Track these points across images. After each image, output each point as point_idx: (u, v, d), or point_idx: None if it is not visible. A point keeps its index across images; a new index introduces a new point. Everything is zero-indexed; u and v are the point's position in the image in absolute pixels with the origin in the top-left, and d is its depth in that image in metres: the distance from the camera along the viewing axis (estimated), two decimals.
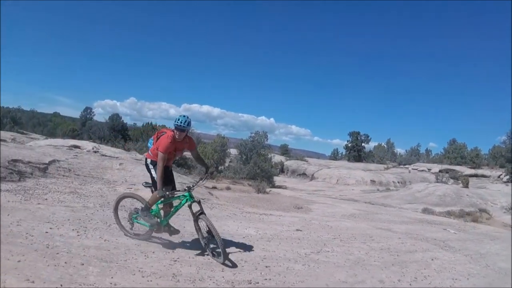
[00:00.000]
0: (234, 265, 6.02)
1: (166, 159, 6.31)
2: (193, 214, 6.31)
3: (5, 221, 6.43)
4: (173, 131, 6.39)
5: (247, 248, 7.13)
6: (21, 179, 10.13)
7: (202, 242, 6.32)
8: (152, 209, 6.49)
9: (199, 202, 6.27)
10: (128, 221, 6.82)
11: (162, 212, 6.62)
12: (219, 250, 5.98)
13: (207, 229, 6.15)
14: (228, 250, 6.70)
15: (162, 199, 6.35)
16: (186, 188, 6.42)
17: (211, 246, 6.27)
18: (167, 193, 6.24)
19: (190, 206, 6.33)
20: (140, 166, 14.57)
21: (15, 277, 4.43)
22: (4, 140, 17.96)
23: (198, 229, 6.32)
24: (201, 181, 7.01)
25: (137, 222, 6.69)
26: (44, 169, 11.56)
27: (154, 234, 6.72)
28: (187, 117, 6.33)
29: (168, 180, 6.64)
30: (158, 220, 6.52)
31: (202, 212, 6.20)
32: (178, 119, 6.26)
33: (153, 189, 6.57)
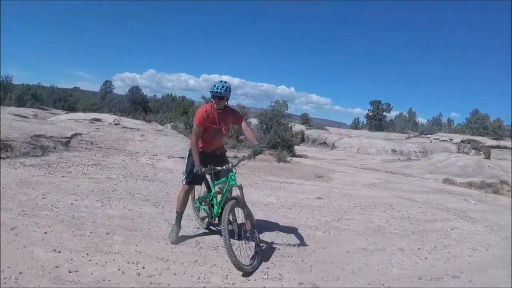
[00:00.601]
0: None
1: (199, 132, 5.35)
2: (228, 200, 5.20)
3: (31, 194, 6.60)
4: (211, 102, 5.41)
5: (269, 215, 7.20)
6: (44, 153, 10.31)
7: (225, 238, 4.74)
8: (208, 194, 5.67)
9: (240, 188, 5.19)
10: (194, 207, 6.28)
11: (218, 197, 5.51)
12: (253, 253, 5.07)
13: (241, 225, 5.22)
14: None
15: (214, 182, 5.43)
16: (230, 167, 5.25)
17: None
18: (203, 169, 5.07)
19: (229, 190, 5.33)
20: (161, 137, 14.70)
21: (42, 247, 4.58)
22: (26, 117, 18.20)
23: (229, 221, 4.90)
24: (245, 160, 5.37)
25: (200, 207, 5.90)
26: (66, 143, 11.73)
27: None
28: (225, 82, 5.32)
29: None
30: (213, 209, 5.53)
31: (242, 204, 5.15)
32: (214, 85, 5.24)
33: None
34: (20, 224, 5.16)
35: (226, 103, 5.44)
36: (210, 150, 5.61)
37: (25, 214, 5.64)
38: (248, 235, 5.16)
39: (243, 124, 5.59)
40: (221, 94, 5.23)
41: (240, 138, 30.85)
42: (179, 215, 5.57)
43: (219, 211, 5.37)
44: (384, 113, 77.85)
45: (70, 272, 4.12)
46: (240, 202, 5.13)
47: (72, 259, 4.38)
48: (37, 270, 4.08)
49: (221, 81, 5.33)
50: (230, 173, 5.18)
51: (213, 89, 5.22)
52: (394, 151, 43.60)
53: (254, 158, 5.36)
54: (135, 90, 66.09)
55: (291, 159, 23.99)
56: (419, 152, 44.56)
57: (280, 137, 33.10)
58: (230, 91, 5.35)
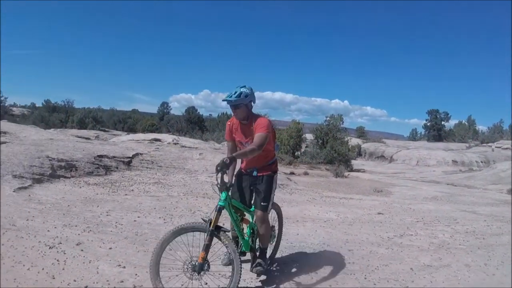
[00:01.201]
0: None
1: (230, 146, 4.83)
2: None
3: (95, 212, 6.90)
4: None
5: (329, 232, 7.15)
6: (107, 173, 10.75)
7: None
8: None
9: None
10: None
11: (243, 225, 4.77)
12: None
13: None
14: (310, 234, 6.78)
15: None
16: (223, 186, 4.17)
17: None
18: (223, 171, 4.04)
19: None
20: (219, 155, 14.93)
21: (107, 263, 4.75)
22: (88, 138, 19.05)
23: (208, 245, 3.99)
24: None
25: None
26: (128, 163, 12.17)
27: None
28: (243, 87, 4.45)
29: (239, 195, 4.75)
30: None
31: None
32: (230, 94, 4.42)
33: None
34: (85, 240, 5.39)
35: (248, 112, 4.54)
36: (247, 169, 4.79)
37: (90, 230, 5.89)
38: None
39: (255, 136, 4.42)
40: (231, 103, 4.40)
41: (295, 154, 30.70)
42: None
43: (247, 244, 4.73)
44: (443, 123, 75.36)
45: (134, 286, 4.24)
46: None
47: (136, 274, 4.51)
48: (103, 284, 4.23)
49: (238, 87, 4.46)
50: (223, 193, 4.14)
51: (225, 97, 4.41)
52: (454, 162, 42.19)
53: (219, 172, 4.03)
54: (191, 110, 67.82)
55: (348, 174, 23.71)
56: (481, 162, 42.85)
57: (336, 151, 32.83)
58: (247, 97, 4.43)
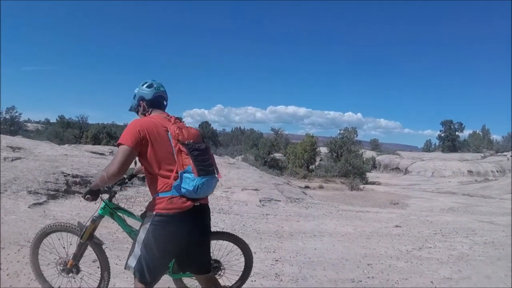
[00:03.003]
0: None
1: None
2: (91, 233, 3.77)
3: (111, 228, 6.88)
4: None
5: (347, 246, 7.11)
6: (122, 188, 10.79)
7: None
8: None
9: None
10: None
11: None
12: None
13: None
14: (328, 248, 6.76)
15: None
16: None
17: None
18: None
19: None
20: (234, 169, 14.99)
21: (123, 280, 4.77)
22: (103, 154, 19.19)
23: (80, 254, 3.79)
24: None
25: None
26: (143, 178, 12.23)
27: None
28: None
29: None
30: None
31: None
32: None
33: None
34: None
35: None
36: None
37: (106, 247, 5.91)
38: None
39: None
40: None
41: (310, 167, 30.63)
42: None
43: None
44: (457, 133, 74.95)
45: None
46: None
47: None
48: None
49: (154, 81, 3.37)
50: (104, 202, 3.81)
51: (158, 87, 3.31)
52: (470, 172, 41.86)
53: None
54: (205, 125, 68.33)
55: (364, 187, 23.63)
56: (497, 171, 42.46)
57: (351, 164, 32.77)
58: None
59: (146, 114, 3.21)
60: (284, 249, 6.61)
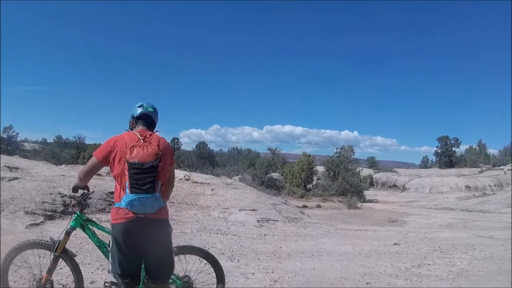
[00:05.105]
0: None
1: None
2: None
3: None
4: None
5: (346, 265, 7.05)
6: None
7: None
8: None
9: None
10: None
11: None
12: None
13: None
14: (326, 268, 6.68)
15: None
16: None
17: None
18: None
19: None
20: (231, 190, 14.92)
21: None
22: (100, 174, 19.12)
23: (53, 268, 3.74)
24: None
25: None
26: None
27: None
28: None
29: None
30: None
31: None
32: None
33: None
34: (99, 279, 5.33)
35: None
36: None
37: (103, 268, 5.84)
38: None
39: None
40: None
41: (307, 186, 30.57)
42: None
43: None
44: (453, 149, 75.08)
45: None
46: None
47: None
48: None
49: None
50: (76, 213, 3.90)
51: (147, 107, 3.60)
52: (468, 187, 41.83)
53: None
54: (201, 145, 68.28)
55: (361, 205, 23.58)
56: (494, 185, 42.42)
57: (348, 183, 32.74)
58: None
59: (133, 129, 3.52)
60: (282, 269, 6.54)
